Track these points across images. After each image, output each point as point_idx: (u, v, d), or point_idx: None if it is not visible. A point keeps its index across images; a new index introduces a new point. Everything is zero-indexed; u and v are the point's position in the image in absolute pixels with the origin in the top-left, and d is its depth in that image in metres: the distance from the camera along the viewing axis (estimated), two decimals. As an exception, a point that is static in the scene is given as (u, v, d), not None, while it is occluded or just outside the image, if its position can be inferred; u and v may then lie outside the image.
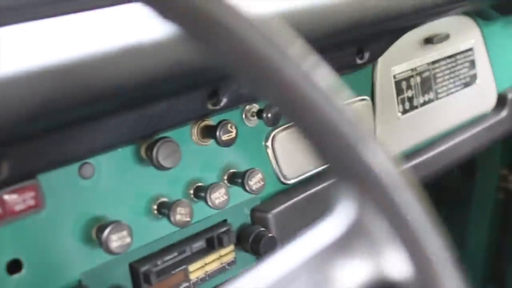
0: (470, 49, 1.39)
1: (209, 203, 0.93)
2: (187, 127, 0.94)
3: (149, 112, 0.84)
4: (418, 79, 1.28)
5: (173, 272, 0.93)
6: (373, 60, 1.14)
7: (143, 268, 0.90)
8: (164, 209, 0.90)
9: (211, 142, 0.95)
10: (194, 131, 0.95)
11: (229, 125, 0.93)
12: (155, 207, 0.91)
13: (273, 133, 1.05)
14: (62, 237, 0.83)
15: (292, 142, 1.07)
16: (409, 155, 1.27)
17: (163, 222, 0.92)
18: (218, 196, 0.93)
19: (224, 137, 0.93)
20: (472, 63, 1.40)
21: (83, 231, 0.84)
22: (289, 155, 1.07)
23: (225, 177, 0.99)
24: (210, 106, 0.91)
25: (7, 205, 0.77)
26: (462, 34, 1.37)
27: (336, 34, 1.01)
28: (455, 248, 0.42)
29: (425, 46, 1.29)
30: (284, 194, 1.06)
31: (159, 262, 0.92)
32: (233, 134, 0.93)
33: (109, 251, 0.83)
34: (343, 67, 1.09)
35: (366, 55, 1.11)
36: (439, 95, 1.33)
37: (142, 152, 0.89)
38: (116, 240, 0.83)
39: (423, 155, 1.29)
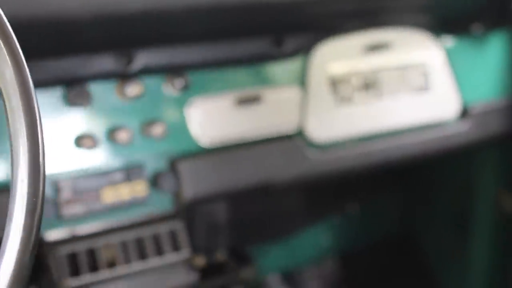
0: (424, 61, 1.56)
1: (113, 139, 1.22)
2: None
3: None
4: (359, 79, 1.48)
5: (87, 191, 1.23)
6: (294, 53, 1.37)
7: (60, 182, 1.21)
8: (84, 142, 1.21)
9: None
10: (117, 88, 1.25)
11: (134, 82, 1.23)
12: (77, 139, 1.22)
13: (193, 101, 1.31)
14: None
15: (211, 111, 1.33)
16: (345, 144, 1.46)
17: (83, 153, 1.23)
18: (121, 134, 1.22)
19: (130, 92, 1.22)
20: (426, 74, 1.56)
21: None
22: (208, 123, 1.32)
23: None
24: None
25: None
26: (413, 45, 1.54)
27: (249, 19, 1.25)
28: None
29: (370, 51, 1.49)
30: (200, 154, 1.32)
31: (76, 180, 1.22)
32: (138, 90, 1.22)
33: None
34: (258, 55, 1.33)
35: (287, 47, 1.35)
36: (383, 97, 1.51)
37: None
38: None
39: (362, 147, 1.47)
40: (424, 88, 1.56)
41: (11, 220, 0.60)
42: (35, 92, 0.64)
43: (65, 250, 1.24)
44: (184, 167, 1.28)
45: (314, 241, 2.29)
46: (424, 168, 1.99)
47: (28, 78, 0.62)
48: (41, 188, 0.61)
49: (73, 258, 1.25)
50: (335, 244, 2.31)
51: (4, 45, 0.62)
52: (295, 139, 1.40)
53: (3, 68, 0.61)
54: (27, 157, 0.61)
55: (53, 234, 1.26)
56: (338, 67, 1.46)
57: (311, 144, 1.42)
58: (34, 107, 0.62)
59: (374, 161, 1.49)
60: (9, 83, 0.61)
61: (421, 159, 1.57)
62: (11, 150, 0.62)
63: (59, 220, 1.22)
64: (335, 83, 1.45)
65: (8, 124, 0.62)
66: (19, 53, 0.63)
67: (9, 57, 0.62)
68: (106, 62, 1.19)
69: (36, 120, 0.61)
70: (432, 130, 1.57)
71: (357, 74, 1.48)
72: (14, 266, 0.60)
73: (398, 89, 1.53)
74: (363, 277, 2.32)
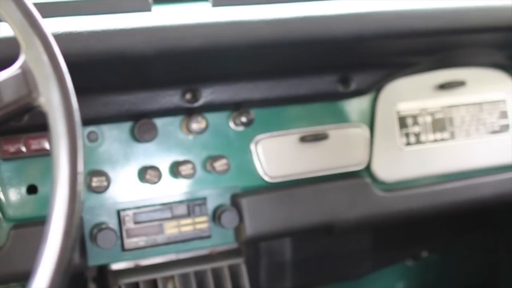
0: (502, 100, 1.50)
1: (177, 173, 1.24)
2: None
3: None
4: (429, 118, 1.44)
5: (150, 223, 1.25)
6: (361, 92, 1.35)
7: (124, 213, 1.23)
8: (149, 176, 1.23)
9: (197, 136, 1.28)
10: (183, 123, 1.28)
11: (199, 117, 1.24)
12: (142, 172, 1.24)
13: (258, 137, 1.32)
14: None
15: (275, 147, 1.33)
16: (413, 184, 1.42)
17: (147, 186, 1.25)
18: (185, 169, 1.24)
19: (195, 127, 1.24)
20: (502, 114, 1.50)
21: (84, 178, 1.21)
22: (272, 158, 1.32)
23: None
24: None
25: (30, 145, 1.18)
26: (488, 84, 1.49)
27: (315, 57, 1.25)
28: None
29: (442, 90, 1.45)
30: (262, 189, 1.32)
31: (140, 213, 1.24)
32: (203, 125, 1.24)
33: (90, 189, 1.19)
34: (324, 94, 1.32)
35: (352, 85, 1.34)
36: (456, 137, 1.46)
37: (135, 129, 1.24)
38: (96, 181, 1.19)
39: (432, 188, 1.42)
40: (499, 127, 1.50)
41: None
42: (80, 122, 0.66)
43: (128, 280, 1.26)
44: (246, 203, 1.28)
45: None
46: (508, 213, 1.90)
47: (73, 104, 0.65)
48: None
49: (135, 287, 1.27)
50: (408, 291, 2.23)
51: (54, 72, 0.65)
52: (361, 177, 1.37)
53: (51, 94, 0.64)
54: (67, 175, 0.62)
55: (117, 264, 1.29)
56: (407, 106, 1.43)
57: (378, 183, 1.39)
58: (77, 132, 0.64)
59: (445, 203, 1.44)
60: (56, 107, 0.64)
61: (499, 202, 1.50)
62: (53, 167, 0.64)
63: (123, 251, 1.24)
64: (404, 122, 1.42)
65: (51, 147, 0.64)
66: (66, 80, 0.65)
67: (57, 83, 0.64)
68: (172, 97, 1.22)
69: (77, 144, 0.63)
70: (509, 171, 1.50)
71: (428, 113, 1.44)
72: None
73: (473, 129, 1.48)
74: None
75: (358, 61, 1.33)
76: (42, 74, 0.67)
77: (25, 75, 0.68)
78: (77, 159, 0.66)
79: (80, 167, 0.65)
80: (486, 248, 2.26)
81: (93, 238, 1.20)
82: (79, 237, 1.17)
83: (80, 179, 0.65)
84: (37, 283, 0.61)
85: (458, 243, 2.11)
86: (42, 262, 0.61)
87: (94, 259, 1.22)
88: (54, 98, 0.65)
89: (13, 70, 0.69)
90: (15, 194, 1.19)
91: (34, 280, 0.61)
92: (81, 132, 0.67)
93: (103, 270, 1.41)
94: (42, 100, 0.67)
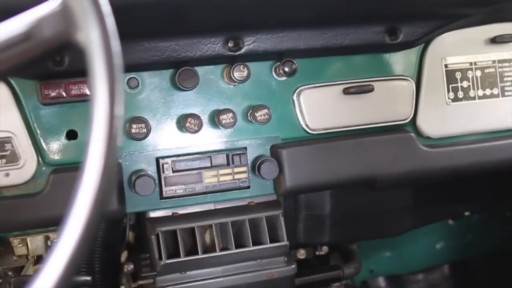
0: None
1: (217, 122, 1.22)
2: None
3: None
4: (478, 73, 1.39)
5: (189, 172, 1.24)
6: (408, 44, 1.30)
7: (163, 161, 1.22)
8: (188, 124, 1.22)
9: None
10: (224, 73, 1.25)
11: (241, 66, 1.21)
12: (182, 120, 1.23)
13: (300, 88, 1.28)
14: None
15: (317, 99, 1.29)
16: (459, 140, 1.37)
17: (187, 135, 1.24)
18: (225, 118, 1.22)
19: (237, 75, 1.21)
20: (556, 70, 1.44)
21: (123, 125, 1.20)
22: (314, 110, 1.29)
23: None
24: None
25: (70, 90, 1.17)
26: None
27: (362, 6, 1.21)
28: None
29: (493, 45, 1.39)
30: (304, 140, 1.29)
31: (179, 161, 1.23)
32: (245, 74, 1.21)
33: (130, 135, 1.18)
34: (370, 45, 1.27)
35: (400, 37, 1.29)
36: (506, 93, 1.41)
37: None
38: (135, 128, 1.18)
39: (478, 145, 1.38)
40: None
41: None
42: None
43: (166, 228, 1.26)
44: (286, 154, 1.25)
45: (426, 247, 2.19)
46: None
47: (114, 44, 0.62)
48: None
49: (173, 236, 1.27)
50: (449, 252, 2.20)
51: (95, 9, 0.62)
52: (405, 131, 1.33)
53: (90, 31, 0.62)
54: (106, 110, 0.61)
55: (155, 212, 1.29)
56: (456, 60, 1.38)
57: (422, 138, 1.35)
58: (116, 73, 0.62)
59: (491, 161, 1.39)
60: (95, 45, 0.62)
61: None
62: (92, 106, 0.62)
63: (161, 199, 1.23)
64: (452, 76, 1.37)
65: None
66: (107, 18, 0.63)
67: (97, 20, 0.62)
68: (214, 45, 1.19)
69: (115, 85, 0.62)
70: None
71: (478, 68, 1.39)
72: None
73: (523, 85, 1.42)
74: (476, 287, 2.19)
75: (407, 11, 1.27)
76: (82, 10, 0.65)
77: (66, 10, 0.66)
78: (114, 100, 0.64)
79: (118, 110, 0.63)
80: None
81: (132, 185, 1.19)
82: (116, 181, 1.16)
83: (117, 122, 0.63)
84: (71, 224, 0.59)
85: (501, 204, 2.06)
86: (76, 203, 0.60)
87: (133, 206, 1.22)
88: (94, 36, 0.63)
89: (54, 5, 0.67)
90: (55, 139, 1.18)
91: (68, 221, 0.60)
92: (121, 74, 0.65)
93: (141, 218, 1.42)
94: (81, 37, 0.65)
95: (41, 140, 1.18)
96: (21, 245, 1.38)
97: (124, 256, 1.47)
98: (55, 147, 1.18)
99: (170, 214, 1.29)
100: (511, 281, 2.20)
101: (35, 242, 1.38)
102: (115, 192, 1.17)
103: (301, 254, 1.63)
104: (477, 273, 2.20)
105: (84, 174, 0.61)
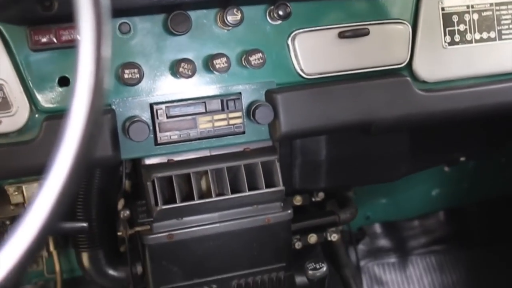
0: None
1: (211, 67, 1.20)
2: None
3: None
4: (475, 16, 1.37)
5: (183, 118, 1.23)
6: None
7: (157, 107, 1.21)
8: (182, 69, 1.20)
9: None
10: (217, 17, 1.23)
11: (235, 10, 1.19)
12: (175, 65, 1.21)
13: (295, 32, 1.27)
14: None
15: (312, 43, 1.28)
16: (455, 84, 1.36)
17: (181, 81, 1.23)
18: (219, 62, 1.20)
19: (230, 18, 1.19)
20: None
21: (115, 70, 1.19)
22: (309, 54, 1.27)
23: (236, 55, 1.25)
24: None
25: (61, 36, 1.15)
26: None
27: None
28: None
29: (489, -13, 1.37)
30: (299, 85, 1.28)
31: (173, 107, 1.22)
32: (238, 18, 1.19)
33: (122, 81, 1.16)
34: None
35: (397, -22, 1.26)
36: (503, 37, 1.39)
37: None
38: (128, 74, 1.16)
39: (474, 89, 1.36)
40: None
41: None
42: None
43: (161, 174, 1.26)
44: (281, 99, 1.24)
45: (422, 194, 2.20)
46: None
47: None
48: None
49: (168, 182, 1.27)
50: (444, 198, 2.22)
51: None
52: (401, 75, 1.32)
53: None
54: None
55: (150, 159, 1.28)
56: (453, 2, 1.36)
57: (418, 82, 1.34)
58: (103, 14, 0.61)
59: (487, 104, 1.38)
60: None
61: None
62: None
63: (156, 145, 1.23)
64: (449, 20, 1.35)
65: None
66: None
67: None
68: None
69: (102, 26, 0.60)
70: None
71: (475, 11, 1.37)
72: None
73: (521, 28, 1.40)
74: (471, 234, 2.21)
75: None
76: None
77: None
78: (101, 41, 0.63)
79: (105, 51, 0.62)
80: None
81: (126, 131, 1.18)
82: (109, 125, 1.15)
83: (104, 64, 0.61)
84: (58, 164, 0.59)
85: (496, 151, 2.07)
86: (63, 143, 0.59)
87: (127, 153, 1.22)
88: None
89: None
90: (47, 86, 1.17)
91: (55, 161, 0.59)
92: (108, 15, 0.63)
93: (137, 166, 1.42)
94: None
95: (33, 87, 1.16)
96: (16, 193, 1.38)
97: (121, 204, 1.48)
98: (47, 94, 1.17)
99: (166, 161, 1.29)
100: (505, 226, 2.22)
101: (30, 189, 1.38)
102: (109, 139, 1.16)
103: (297, 200, 1.63)
104: (472, 219, 2.22)
105: (71, 114, 0.60)
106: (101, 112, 0.66)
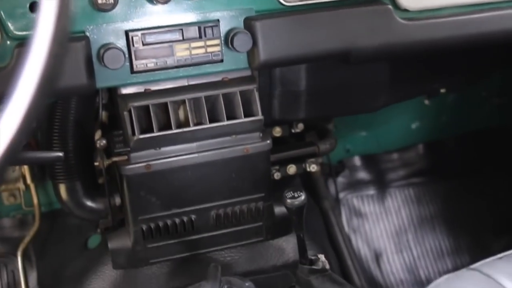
0: None
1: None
2: None
3: None
4: None
5: (160, 45, 1.20)
6: None
7: (133, 34, 1.18)
8: None
9: None
10: None
11: None
12: None
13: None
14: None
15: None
16: (437, 12, 1.34)
17: (157, 7, 1.19)
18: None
19: None
20: None
21: None
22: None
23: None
24: None
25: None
26: None
27: None
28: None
29: None
30: (279, 13, 1.25)
31: (149, 34, 1.19)
32: None
33: (96, 6, 1.13)
34: None
35: None
36: (487, -37, 1.36)
37: None
38: (101, -2, 1.13)
39: (456, 17, 1.34)
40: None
41: None
42: None
43: (138, 103, 1.24)
44: (260, 26, 1.21)
45: (402, 127, 2.21)
46: None
47: None
48: None
49: (145, 112, 1.25)
50: (424, 131, 2.22)
51: None
52: (382, 3, 1.29)
53: None
54: None
55: (127, 89, 1.26)
56: None
57: (400, 10, 1.31)
58: None
59: (469, 34, 1.36)
60: None
61: None
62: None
63: (132, 73, 1.20)
64: None
65: None
66: None
67: None
68: None
69: None
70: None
71: None
72: None
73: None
74: (449, 167, 2.23)
75: None
76: None
77: None
78: None
79: None
80: (505, 91, 2.22)
81: (100, 58, 1.15)
82: (67, 47, 1.12)
83: None
84: (21, 86, 0.57)
85: (476, 82, 2.06)
86: (27, 64, 0.57)
87: (103, 81, 1.19)
88: None
89: None
90: (17, 12, 1.13)
91: (18, 82, 0.57)
92: None
93: (114, 97, 1.39)
94: None
95: (2, 13, 1.12)
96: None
97: (98, 135, 1.46)
98: (18, 21, 1.13)
99: (142, 90, 1.27)
100: (484, 160, 2.24)
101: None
102: (83, 66, 1.13)
103: (277, 132, 1.62)
104: (450, 153, 2.24)
105: (35, 35, 0.58)
106: (66, 34, 0.64)
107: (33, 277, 1.77)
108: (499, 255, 1.24)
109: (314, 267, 1.26)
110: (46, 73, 0.58)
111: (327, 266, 1.27)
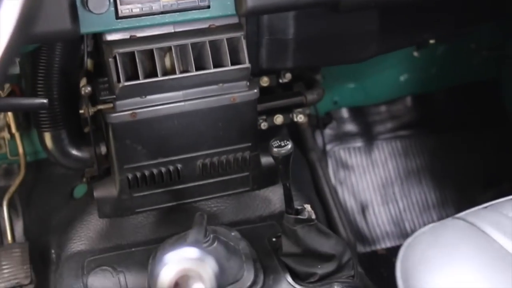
0: None
1: None
2: None
3: None
4: None
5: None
6: None
7: None
8: None
9: None
10: None
11: None
12: None
13: None
14: None
15: None
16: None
17: None
18: None
19: None
20: None
21: None
22: None
23: None
24: None
25: None
26: None
27: None
28: None
29: None
30: None
31: None
32: None
33: None
34: None
35: None
36: None
37: None
38: None
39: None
40: None
41: None
42: None
43: (123, 50, 1.22)
44: None
45: (390, 79, 2.19)
46: None
47: None
48: None
49: (131, 59, 1.23)
50: (412, 84, 2.21)
51: None
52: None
53: None
54: None
55: (112, 35, 1.24)
56: None
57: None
58: None
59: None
60: None
61: None
62: None
63: (117, 18, 1.18)
64: None
65: None
66: None
67: None
68: None
69: None
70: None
71: None
72: None
73: None
74: (437, 120, 2.23)
75: None
76: None
77: None
78: None
79: None
80: (494, 45, 2.21)
81: (85, 2, 1.13)
82: None
83: None
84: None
85: (466, 35, 2.04)
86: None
87: (87, 26, 1.17)
88: None
89: None
90: None
91: None
92: None
93: (99, 45, 1.37)
94: None
95: None
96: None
97: (83, 82, 1.43)
98: None
99: (128, 37, 1.24)
100: (471, 112, 2.24)
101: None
102: (66, 11, 1.11)
103: (264, 81, 1.60)
104: (439, 105, 2.23)
105: None
106: None
107: (19, 226, 1.77)
108: (484, 205, 1.24)
109: (300, 216, 1.26)
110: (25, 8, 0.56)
111: (313, 216, 1.27)
